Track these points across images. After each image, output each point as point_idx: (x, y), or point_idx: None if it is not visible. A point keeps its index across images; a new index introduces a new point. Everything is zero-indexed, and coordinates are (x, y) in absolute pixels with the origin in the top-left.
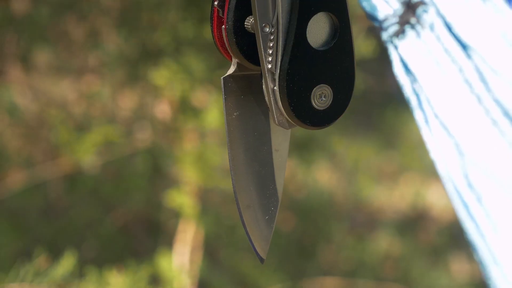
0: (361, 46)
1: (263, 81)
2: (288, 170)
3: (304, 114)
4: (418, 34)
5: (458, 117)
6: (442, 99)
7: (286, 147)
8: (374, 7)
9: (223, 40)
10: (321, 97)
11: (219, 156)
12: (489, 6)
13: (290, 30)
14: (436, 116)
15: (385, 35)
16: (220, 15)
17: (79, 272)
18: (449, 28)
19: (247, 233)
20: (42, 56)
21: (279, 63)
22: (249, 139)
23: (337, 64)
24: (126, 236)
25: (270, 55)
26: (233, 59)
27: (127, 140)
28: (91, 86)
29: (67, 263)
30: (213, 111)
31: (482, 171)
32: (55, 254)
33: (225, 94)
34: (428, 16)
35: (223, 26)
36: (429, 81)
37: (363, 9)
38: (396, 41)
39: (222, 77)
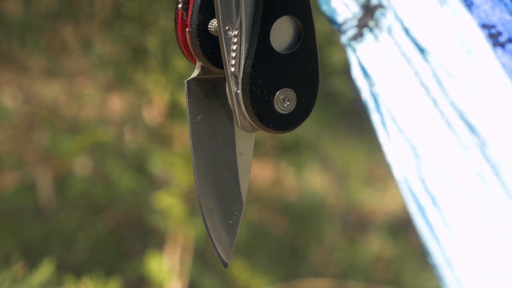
0: None
1: (226, 84)
2: (279, 173)
3: (267, 118)
4: (376, 37)
5: (414, 120)
6: (399, 103)
7: (251, 151)
8: (333, 11)
9: (187, 43)
10: (284, 101)
11: None
12: (447, 10)
13: (253, 33)
14: (393, 119)
15: (344, 39)
16: (184, 18)
17: (57, 280)
18: (406, 31)
19: (210, 237)
20: (33, 58)
21: (242, 66)
22: (213, 143)
23: (301, 68)
24: (116, 238)
25: (233, 58)
26: (197, 62)
27: (117, 142)
28: (81, 88)
29: (45, 270)
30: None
31: (437, 174)
32: (45, 256)
33: (188, 97)
34: (386, 19)
35: (187, 29)
36: (387, 84)
37: (323, 13)
38: (355, 44)
39: (186, 80)
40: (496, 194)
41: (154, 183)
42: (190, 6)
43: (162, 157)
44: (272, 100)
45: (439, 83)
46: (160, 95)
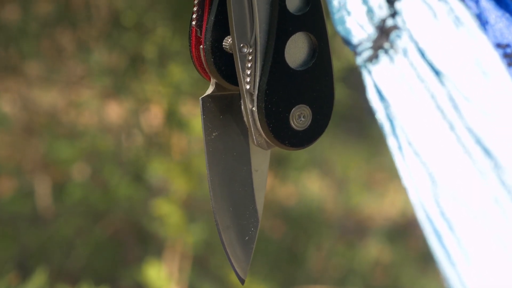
0: (350, 54)
1: (241, 101)
2: (277, 178)
3: (283, 135)
4: (391, 59)
5: (431, 144)
6: (415, 126)
7: (266, 167)
8: (348, 32)
9: (201, 60)
10: (300, 117)
11: None
12: (462, 31)
13: (268, 50)
14: (410, 143)
15: (359, 60)
16: (198, 35)
17: None
18: (422, 53)
19: (226, 253)
20: (31, 65)
21: (257, 83)
22: (228, 159)
23: (316, 84)
24: (115, 245)
25: (248, 75)
26: (211, 79)
27: (115, 148)
28: (79, 95)
29: (38, 279)
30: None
31: (454, 199)
32: (43, 263)
33: (203, 115)
34: (402, 41)
35: (201, 46)
36: (403, 107)
37: (338, 33)
38: (370, 66)
39: (200, 98)
40: None
41: (152, 190)
42: (204, 23)
43: (161, 164)
44: (288, 117)
45: (455, 106)
46: (158, 103)
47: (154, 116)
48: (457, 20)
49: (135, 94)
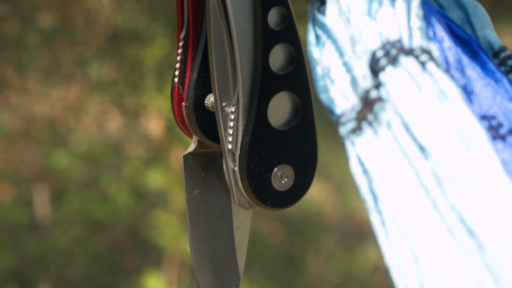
0: None
1: (223, 160)
2: None
3: (265, 195)
4: (375, 132)
5: (414, 221)
6: (399, 202)
7: (248, 225)
8: (331, 101)
9: (183, 118)
10: (282, 177)
11: None
12: (447, 105)
13: (250, 110)
14: (393, 219)
15: (342, 131)
16: (181, 91)
17: None
18: (406, 127)
19: None
20: (30, 77)
21: (239, 143)
22: (210, 217)
23: (299, 144)
24: (114, 254)
25: (230, 135)
26: (193, 137)
27: (114, 157)
28: (78, 104)
29: None
30: None
31: (438, 281)
32: (42, 273)
33: (185, 172)
34: (386, 113)
35: (183, 104)
36: (386, 181)
37: (321, 101)
38: (354, 138)
39: (182, 155)
40: None
41: (151, 200)
42: (187, 80)
43: (159, 174)
44: (270, 177)
45: (439, 183)
46: (157, 113)
47: (154, 127)
48: (442, 94)
49: (135, 105)
